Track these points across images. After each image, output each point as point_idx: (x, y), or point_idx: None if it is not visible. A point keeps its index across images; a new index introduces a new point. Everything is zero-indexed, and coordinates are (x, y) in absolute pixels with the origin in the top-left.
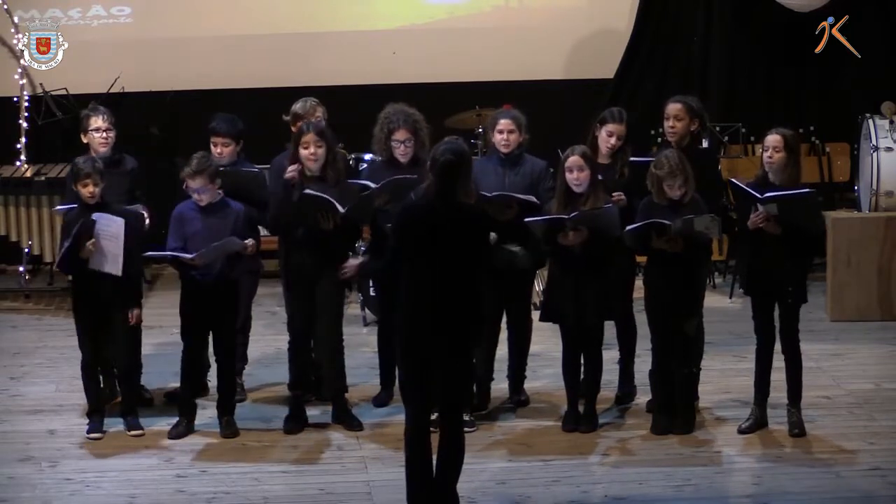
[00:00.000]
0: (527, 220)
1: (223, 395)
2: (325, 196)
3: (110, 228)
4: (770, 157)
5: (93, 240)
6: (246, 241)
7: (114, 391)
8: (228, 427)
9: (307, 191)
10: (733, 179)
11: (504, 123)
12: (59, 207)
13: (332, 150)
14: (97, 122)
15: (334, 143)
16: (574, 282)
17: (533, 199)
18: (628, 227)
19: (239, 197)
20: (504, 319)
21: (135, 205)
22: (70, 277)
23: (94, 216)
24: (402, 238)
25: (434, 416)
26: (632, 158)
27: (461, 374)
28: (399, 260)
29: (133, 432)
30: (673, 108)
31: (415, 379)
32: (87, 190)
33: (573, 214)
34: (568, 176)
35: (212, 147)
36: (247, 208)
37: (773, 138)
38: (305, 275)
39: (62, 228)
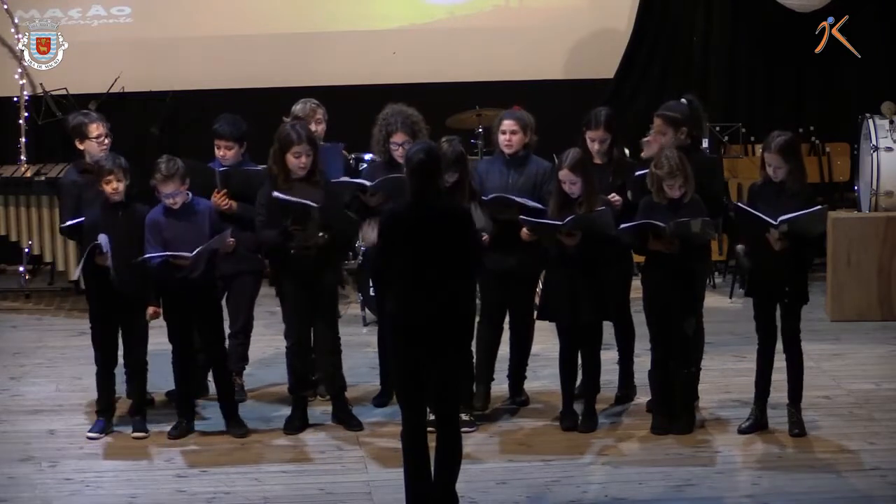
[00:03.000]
0: (522, 218)
1: (223, 397)
2: (295, 200)
3: (108, 249)
4: (775, 175)
5: (104, 256)
6: (230, 239)
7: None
8: (237, 428)
9: (276, 194)
10: (741, 204)
11: (507, 124)
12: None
13: (316, 152)
14: (98, 128)
15: (317, 143)
16: (570, 281)
17: (528, 201)
18: (623, 225)
19: (246, 196)
20: (505, 320)
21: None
22: (81, 276)
23: (100, 238)
24: (385, 240)
25: (431, 417)
26: (637, 173)
27: (455, 374)
28: (384, 262)
29: (137, 434)
30: (655, 121)
31: (408, 380)
32: (111, 187)
33: (567, 220)
34: (562, 185)
35: (215, 149)
36: (246, 207)
37: (771, 157)
38: (301, 279)
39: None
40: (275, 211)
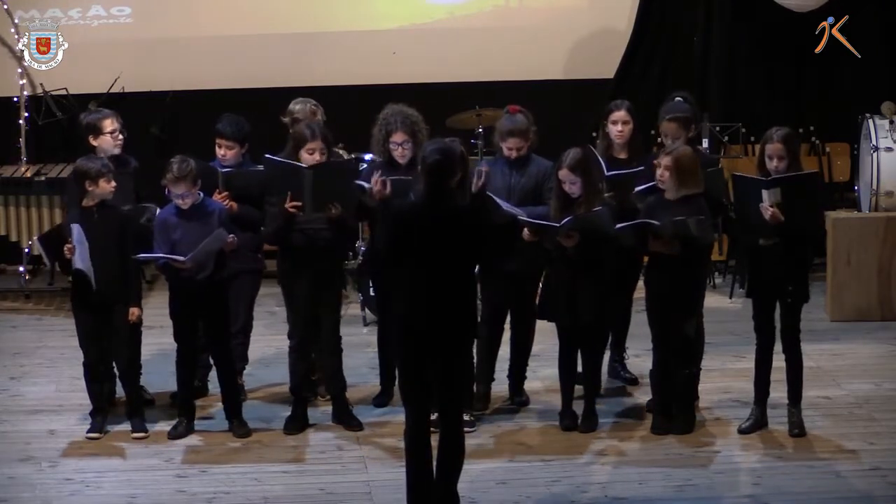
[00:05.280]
0: (522, 218)
1: (227, 396)
2: (287, 161)
3: (82, 241)
4: (776, 168)
5: (70, 245)
6: (229, 237)
7: (112, 392)
8: (240, 427)
9: (268, 156)
10: (735, 173)
11: (513, 142)
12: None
13: (330, 151)
14: (112, 123)
15: (332, 143)
16: (570, 281)
17: (505, 205)
18: (618, 226)
19: (247, 198)
20: (507, 320)
21: (141, 203)
22: (70, 277)
23: (73, 225)
24: (394, 240)
25: (434, 416)
26: (638, 189)
27: (459, 374)
28: (391, 261)
29: (136, 434)
30: (668, 126)
31: (413, 379)
32: (112, 185)
33: (565, 221)
34: (562, 185)
35: (216, 147)
36: (246, 209)
37: (774, 147)
38: (305, 279)
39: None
40: (277, 183)
